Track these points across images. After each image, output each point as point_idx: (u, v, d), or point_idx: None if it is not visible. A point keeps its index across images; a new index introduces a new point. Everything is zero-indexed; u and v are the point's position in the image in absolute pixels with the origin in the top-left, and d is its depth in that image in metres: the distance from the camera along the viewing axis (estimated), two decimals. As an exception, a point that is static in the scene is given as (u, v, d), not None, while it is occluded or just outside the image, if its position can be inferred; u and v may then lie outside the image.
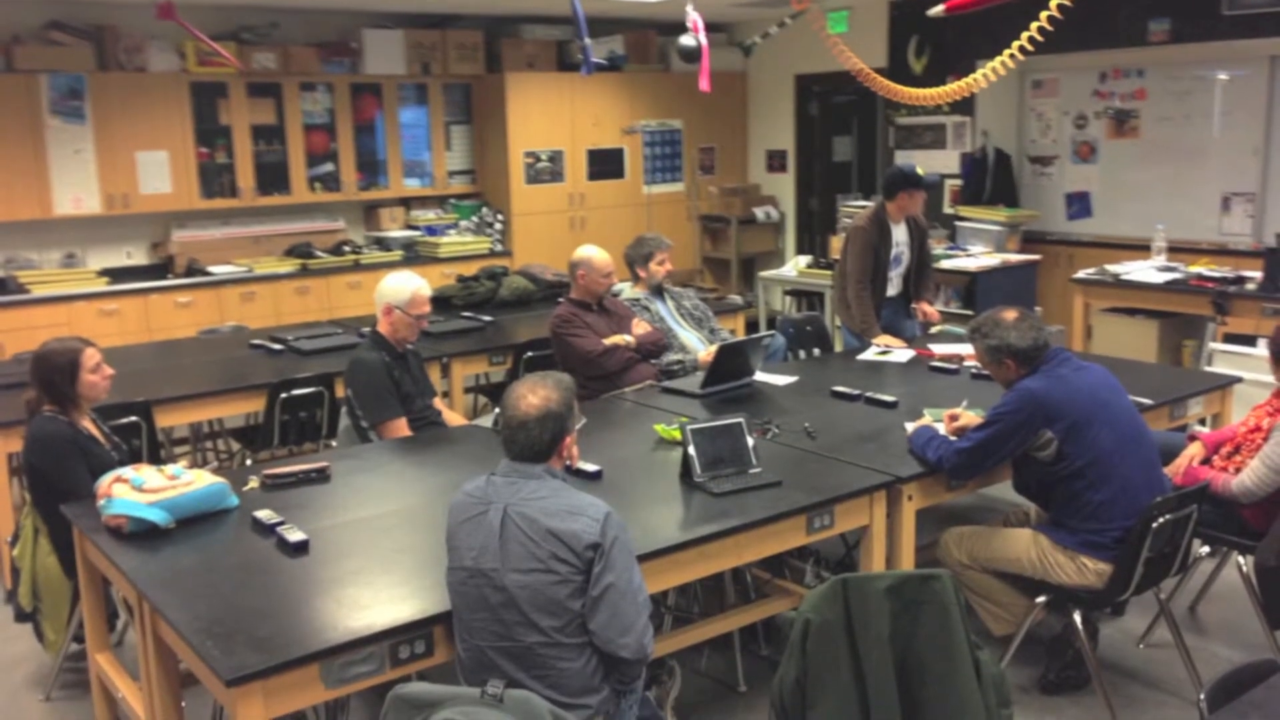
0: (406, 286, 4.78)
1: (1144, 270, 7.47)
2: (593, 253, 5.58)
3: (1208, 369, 6.31)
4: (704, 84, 5.23)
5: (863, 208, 7.37)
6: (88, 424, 4.24)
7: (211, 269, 8.39)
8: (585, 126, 9.91)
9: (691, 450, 3.84)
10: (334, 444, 5.24)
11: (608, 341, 5.43)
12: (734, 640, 4.30)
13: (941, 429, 4.15)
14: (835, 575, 2.96)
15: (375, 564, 3.27)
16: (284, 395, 5.45)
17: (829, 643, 2.88)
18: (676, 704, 3.50)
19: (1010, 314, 4.00)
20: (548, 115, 9.66)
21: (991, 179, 9.11)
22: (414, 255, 9.22)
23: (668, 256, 5.91)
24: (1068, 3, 4.25)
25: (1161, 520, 3.70)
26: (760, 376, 5.29)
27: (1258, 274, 6.84)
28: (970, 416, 4.17)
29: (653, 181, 10.40)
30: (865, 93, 7.00)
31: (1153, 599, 4.20)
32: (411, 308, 4.77)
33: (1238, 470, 4.17)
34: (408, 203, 9.64)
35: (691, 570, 3.50)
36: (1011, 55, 4.62)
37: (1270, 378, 4.37)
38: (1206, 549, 4.46)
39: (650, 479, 3.99)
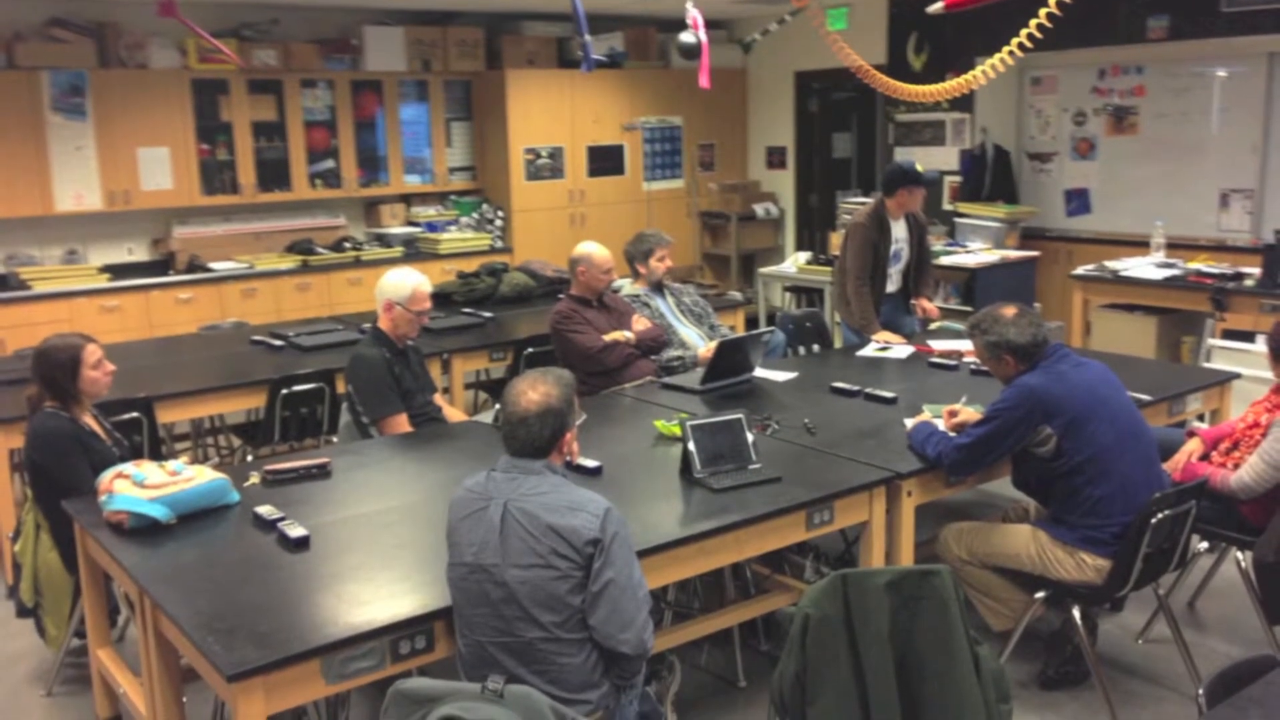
0: (407, 283, 4.79)
1: (1143, 266, 7.48)
2: (593, 249, 5.59)
3: (1206, 365, 6.32)
4: (704, 81, 5.23)
5: (862, 204, 7.38)
6: (89, 420, 4.25)
7: (212, 265, 8.40)
8: (585, 123, 9.91)
9: (691, 446, 3.85)
10: (335, 440, 5.25)
11: (608, 338, 5.43)
12: (734, 635, 4.31)
13: (941, 425, 4.16)
14: (835, 571, 2.97)
15: (376, 559, 3.28)
16: (285, 391, 5.46)
17: (829, 638, 2.89)
18: (676, 699, 3.51)
19: (1009, 310, 4.01)
20: (548, 112, 9.67)
21: (991, 175, 9.12)
22: (414, 251, 9.24)
23: (668, 253, 5.92)
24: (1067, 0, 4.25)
25: (1160, 516, 3.70)
26: (760, 373, 5.30)
27: (1256, 270, 6.84)
28: (969, 413, 4.18)
29: (653, 178, 10.41)
30: (865, 89, 7.02)
31: (1152, 595, 4.21)
32: (412, 304, 4.78)
33: (1236, 466, 4.18)
34: (408, 199, 9.64)
35: (691, 566, 3.51)
36: (1010, 52, 4.62)
37: (1269, 374, 4.38)
38: (1205, 545, 4.47)
39: (650, 475, 4.01)
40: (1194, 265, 7.34)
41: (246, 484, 3.90)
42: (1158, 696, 4.13)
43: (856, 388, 4.94)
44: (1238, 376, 5.29)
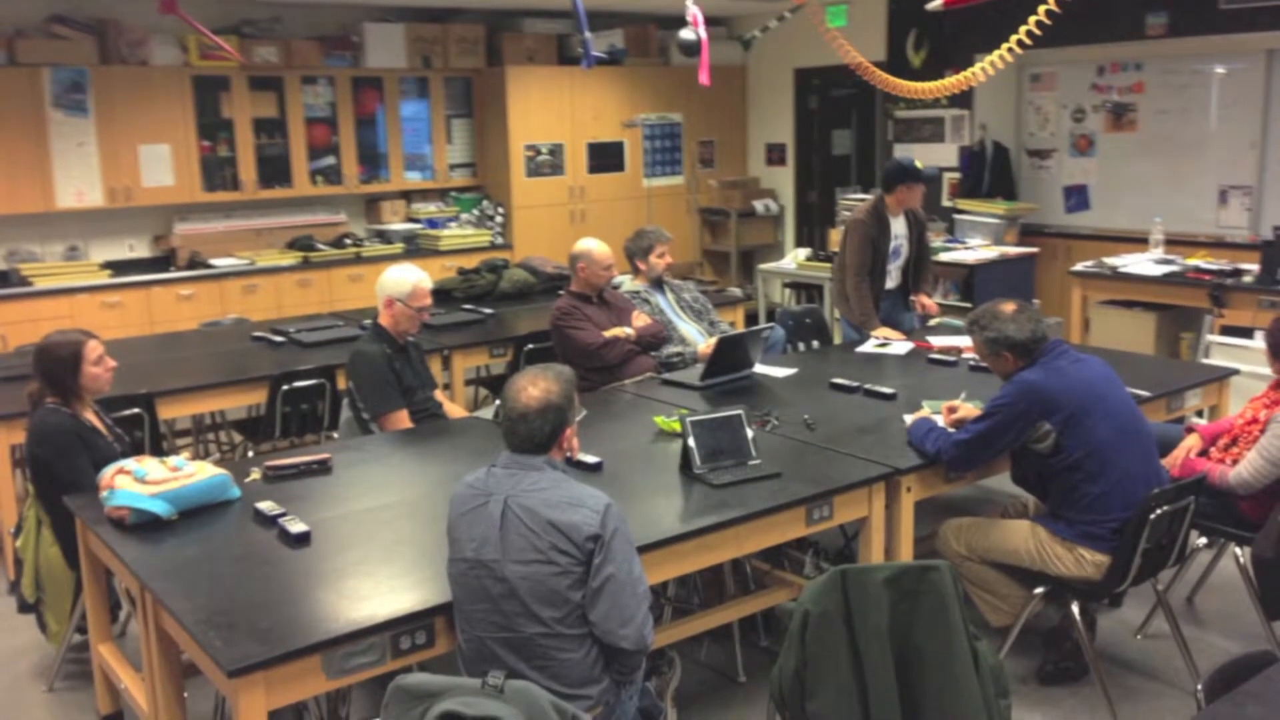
0: (407, 279, 4.81)
1: (1141, 263, 7.48)
2: (593, 245, 5.60)
3: (1205, 361, 6.32)
4: (704, 78, 5.23)
5: (861, 201, 7.38)
6: (90, 416, 4.26)
7: (213, 262, 8.41)
8: (585, 120, 9.91)
9: (691, 442, 3.85)
10: (335, 436, 5.26)
11: (608, 334, 5.45)
12: (733, 631, 4.32)
13: (940, 421, 4.17)
14: (834, 566, 2.98)
15: (376, 555, 3.29)
16: (285, 387, 5.46)
17: (828, 633, 2.90)
18: (676, 694, 3.52)
19: (1008, 306, 4.02)
20: (548, 109, 9.67)
21: (990, 172, 9.11)
22: (415, 248, 9.24)
23: (667, 249, 5.94)
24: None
25: (1159, 512, 3.72)
26: (759, 369, 5.31)
27: (1255, 267, 6.85)
28: (969, 408, 4.19)
29: (652, 175, 10.41)
30: (864, 86, 7.03)
31: (1150, 590, 4.23)
32: (413, 300, 4.79)
33: (1235, 462, 4.19)
34: (409, 196, 9.65)
35: (691, 561, 3.52)
36: (1009, 49, 4.63)
37: (1267, 370, 4.39)
38: (1204, 540, 4.47)
39: (650, 471, 4.01)
40: (1192, 262, 7.34)
41: (247, 480, 3.92)
42: (1156, 692, 4.14)
43: (856, 384, 4.95)
44: (1236, 373, 5.30)
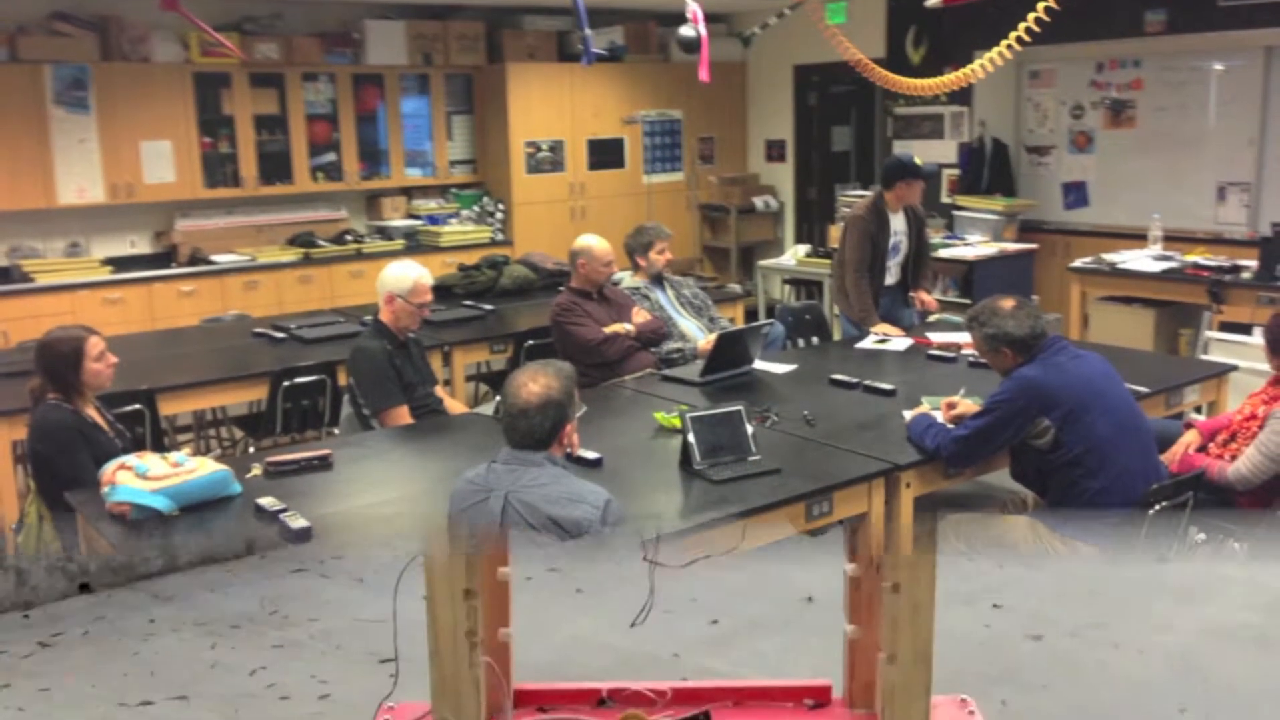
0: (408, 275, 4.82)
1: (1140, 259, 7.49)
2: (593, 242, 5.61)
3: (1204, 357, 6.34)
4: (703, 74, 5.24)
5: (861, 197, 7.40)
6: (91, 412, 4.26)
7: (215, 258, 8.42)
8: (585, 117, 9.92)
9: (691, 438, 3.87)
10: (336, 432, 5.27)
11: (608, 330, 5.46)
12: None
13: (939, 417, 4.18)
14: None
15: (378, 550, 3.31)
16: (286, 383, 5.47)
17: (826, 627, 2.91)
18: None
19: (1008, 302, 4.03)
20: (548, 105, 9.68)
21: (989, 169, 9.12)
22: (415, 244, 9.24)
23: (667, 245, 5.95)
24: (1064, -6, 4.27)
25: (1158, 508, 3.73)
26: (759, 365, 5.32)
27: (1253, 263, 6.86)
28: (968, 404, 4.20)
29: (653, 171, 10.41)
30: (864, 83, 7.02)
31: (1148, 585, 4.24)
32: (413, 296, 4.80)
33: (1233, 458, 4.20)
34: (409, 192, 9.65)
35: (691, 556, 3.53)
36: (1009, 46, 4.64)
37: (1266, 366, 4.40)
38: (1202, 536, 4.48)
39: (650, 466, 4.03)
40: (1191, 258, 7.35)
41: (248, 475, 3.92)
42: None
43: (855, 380, 4.96)
44: (1235, 369, 5.31)
